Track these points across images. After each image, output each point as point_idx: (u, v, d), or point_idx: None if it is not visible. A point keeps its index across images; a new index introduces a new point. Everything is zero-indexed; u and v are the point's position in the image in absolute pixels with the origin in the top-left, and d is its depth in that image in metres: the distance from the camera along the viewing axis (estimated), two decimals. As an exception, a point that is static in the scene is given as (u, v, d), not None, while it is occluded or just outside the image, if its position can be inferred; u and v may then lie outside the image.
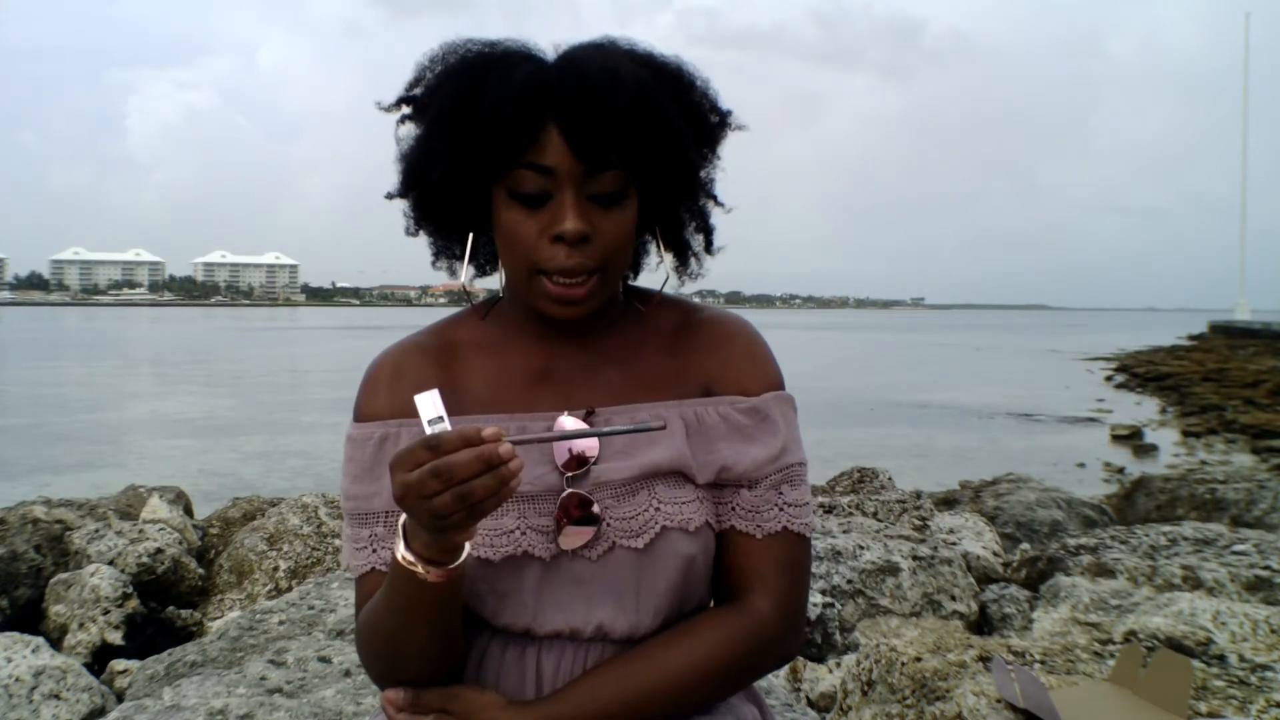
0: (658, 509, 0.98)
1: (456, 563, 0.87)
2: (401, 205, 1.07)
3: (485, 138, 0.94)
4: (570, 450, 1.00)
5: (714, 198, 1.08)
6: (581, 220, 0.94)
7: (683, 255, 1.10)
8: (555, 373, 1.05)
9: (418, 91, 1.02)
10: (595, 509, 0.98)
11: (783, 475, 1.03)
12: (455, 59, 1.00)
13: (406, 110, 1.04)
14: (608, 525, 0.99)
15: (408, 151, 1.04)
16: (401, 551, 0.87)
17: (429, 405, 0.87)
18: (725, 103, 1.05)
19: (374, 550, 1.02)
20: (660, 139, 0.96)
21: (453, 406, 0.98)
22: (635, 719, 0.95)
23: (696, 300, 1.14)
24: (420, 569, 0.86)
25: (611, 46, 1.00)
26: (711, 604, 1.06)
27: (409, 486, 0.80)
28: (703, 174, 1.06)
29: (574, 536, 0.98)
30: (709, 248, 1.10)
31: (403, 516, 0.87)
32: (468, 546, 0.89)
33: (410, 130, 1.04)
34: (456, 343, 1.08)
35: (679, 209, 1.06)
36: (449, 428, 0.83)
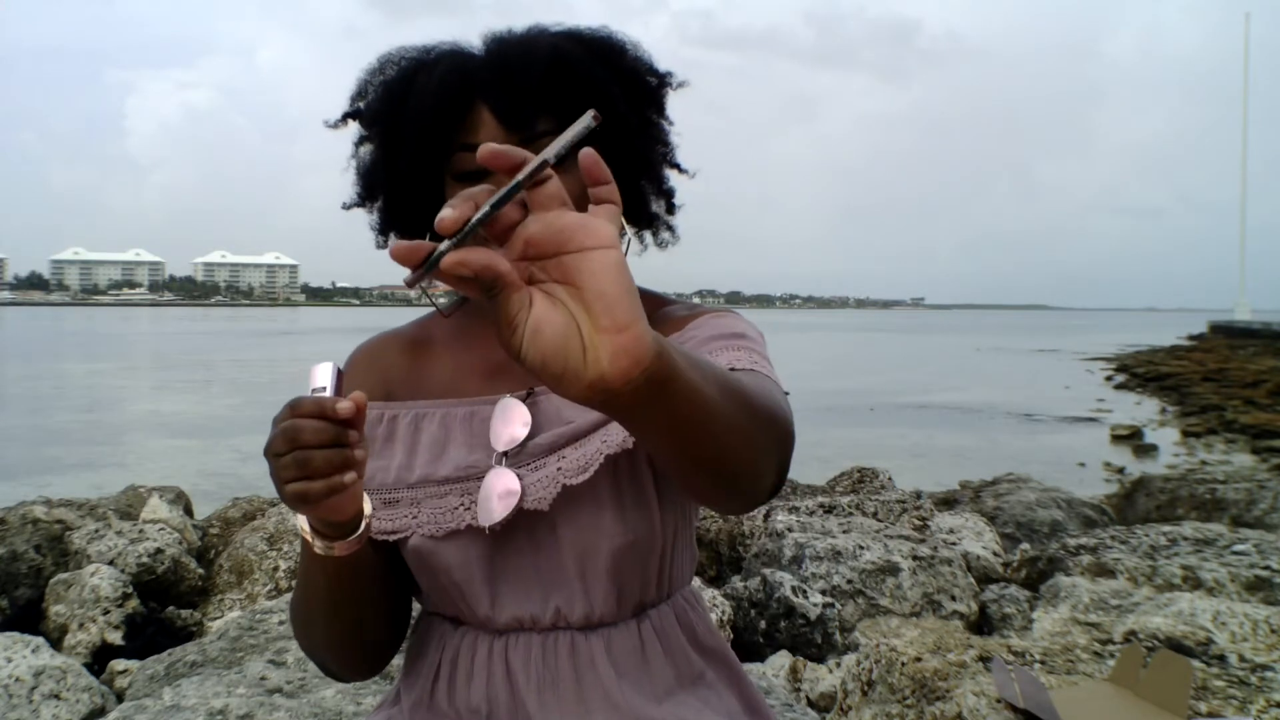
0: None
1: (350, 538, 0.88)
2: (368, 220, 1.08)
3: (417, 128, 0.97)
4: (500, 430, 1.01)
5: (676, 165, 1.08)
6: None
7: (653, 227, 1.10)
8: (515, 364, 1.06)
9: (360, 105, 1.04)
10: (504, 485, 0.97)
11: (725, 343, 0.98)
12: (392, 67, 1.02)
13: (355, 124, 1.05)
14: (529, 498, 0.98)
15: (359, 162, 1.06)
16: (301, 522, 0.89)
17: (320, 375, 0.88)
18: (662, 65, 1.05)
19: None
20: (585, 99, 0.96)
21: (414, 393, 1.05)
22: (717, 401, 0.74)
23: (674, 297, 1.13)
24: (311, 539, 0.88)
25: (535, 28, 1.02)
26: (694, 582, 1.04)
27: (267, 443, 0.80)
28: (657, 139, 1.06)
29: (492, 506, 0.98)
30: (670, 209, 1.10)
31: None
32: (363, 526, 0.89)
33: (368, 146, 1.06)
34: (434, 335, 1.11)
35: (638, 180, 1.06)
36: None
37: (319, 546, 0.88)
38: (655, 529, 1.00)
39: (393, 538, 1.01)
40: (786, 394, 0.93)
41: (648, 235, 1.10)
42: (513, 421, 1.00)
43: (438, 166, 0.99)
